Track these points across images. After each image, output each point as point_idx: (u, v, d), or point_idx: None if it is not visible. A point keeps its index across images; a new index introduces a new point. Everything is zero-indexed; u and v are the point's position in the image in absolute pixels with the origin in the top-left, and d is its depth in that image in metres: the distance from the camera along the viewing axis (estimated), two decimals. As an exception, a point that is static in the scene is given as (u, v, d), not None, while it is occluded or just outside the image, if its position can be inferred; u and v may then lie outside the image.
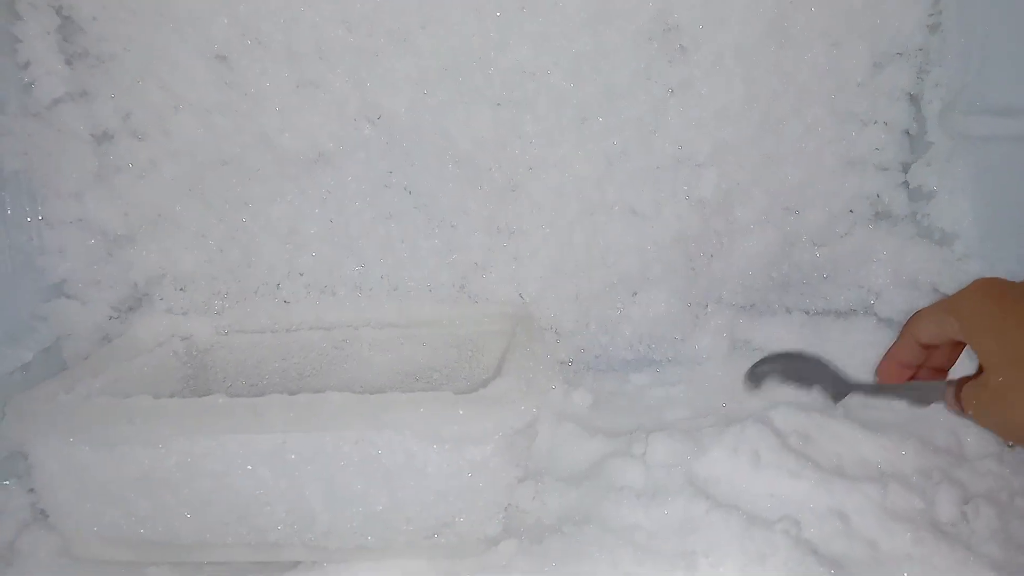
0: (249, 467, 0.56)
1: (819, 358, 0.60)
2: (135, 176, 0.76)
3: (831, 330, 0.86)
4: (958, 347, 0.55)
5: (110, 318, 0.77)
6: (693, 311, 0.87)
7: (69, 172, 0.71)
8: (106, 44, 0.73)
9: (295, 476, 0.56)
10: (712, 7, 0.76)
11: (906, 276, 0.83)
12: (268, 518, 0.57)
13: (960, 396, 0.51)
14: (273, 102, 0.76)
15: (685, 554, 0.56)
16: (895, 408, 0.72)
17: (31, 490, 0.64)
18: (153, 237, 0.78)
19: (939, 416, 0.70)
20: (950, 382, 0.53)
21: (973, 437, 0.66)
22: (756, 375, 0.62)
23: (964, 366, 0.55)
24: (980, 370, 0.49)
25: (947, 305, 0.51)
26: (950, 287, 0.80)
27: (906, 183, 0.84)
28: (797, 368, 0.61)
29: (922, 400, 0.56)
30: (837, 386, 0.59)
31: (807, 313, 0.87)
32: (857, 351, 0.83)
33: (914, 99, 0.82)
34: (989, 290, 0.49)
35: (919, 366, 0.56)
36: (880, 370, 0.58)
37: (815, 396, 0.60)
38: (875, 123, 0.82)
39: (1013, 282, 0.49)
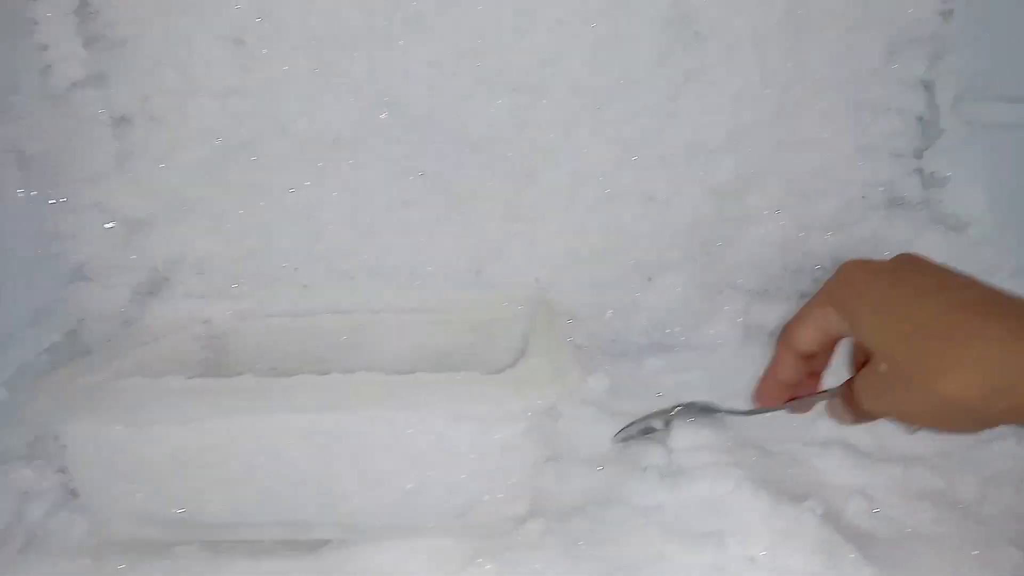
0: (280, 446, 0.56)
1: (686, 406, 0.65)
2: (153, 160, 0.76)
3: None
4: (830, 349, 0.52)
5: (130, 301, 0.77)
6: (708, 297, 0.88)
7: (88, 156, 0.71)
8: (123, 27, 0.72)
9: (325, 455, 0.56)
10: (729, -6, 0.77)
11: (918, 262, 0.84)
12: (299, 497, 0.57)
13: (851, 394, 0.48)
14: (291, 87, 0.76)
15: (713, 533, 0.56)
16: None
17: (59, 471, 0.64)
18: (171, 221, 0.78)
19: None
20: (835, 389, 0.51)
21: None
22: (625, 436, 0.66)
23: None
24: (860, 365, 0.47)
25: (821, 301, 0.49)
26: (965, 272, 0.81)
27: (919, 170, 0.85)
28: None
29: (802, 409, 0.55)
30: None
31: (819, 298, 0.88)
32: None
33: (928, 86, 0.82)
34: (863, 272, 0.47)
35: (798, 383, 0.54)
36: (759, 393, 0.57)
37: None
38: (889, 110, 0.83)
39: (879, 260, 0.47)
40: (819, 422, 0.69)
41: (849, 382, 0.49)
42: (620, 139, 0.81)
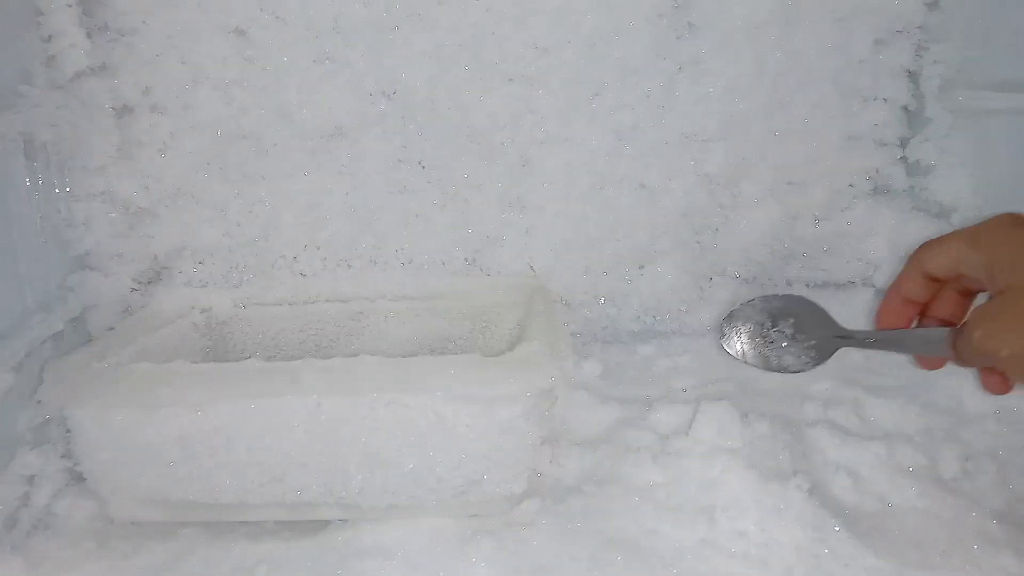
0: (284, 429, 0.58)
1: (812, 303, 0.54)
2: (156, 150, 0.77)
3: (831, 301, 0.89)
4: (965, 299, 0.51)
5: (132, 290, 0.78)
6: (698, 284, 0.90)
7: (93, 145, 0.72)
8: (126, 18, 0.73)
9: (330, 437, 0.58)
10: (721, -16, 0.79)
11: (904, 248, 0.86)
12: (303, 478, 0.59)
13: (959, 339, 0.45)
14: (292, 77, 0.77)
15: (704, 509, 0.58)
16: (898, 375, 0.76)
17: (65, 455, 0.66)
18: (173, 211, 0.79)
19: (941, 379, 0.73)
20: (951, 328, 0.48)
21: (973, 399, 0.69)
22: (734, 318, 0.55)
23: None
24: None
25: (965, 236, 0.47)
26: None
27: (904, 158, 0.87)
28: (784, 312, 0.54)
29: (921, 349, 0.50)
30: (828, 336, 0.53)
31: (808, 285, 0.90)
32: (857, 321, 0.86)
33: (913, 76, 0.84)
34: (1011, 224, 0.45)
35: (923, 310, 0.52)
36: (882, 308, 0.54)
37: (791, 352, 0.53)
38: (876, 99, 0.85)
39: None
40: (806, 404, 0.72)
41: (960, 327, 0.46)
42: (614, 129, 0.82)
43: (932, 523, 0.57)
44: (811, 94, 0.83)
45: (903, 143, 0.86)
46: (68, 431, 0.62)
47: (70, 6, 0.70)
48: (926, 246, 0.50)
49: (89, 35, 0.72)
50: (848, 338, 0.53)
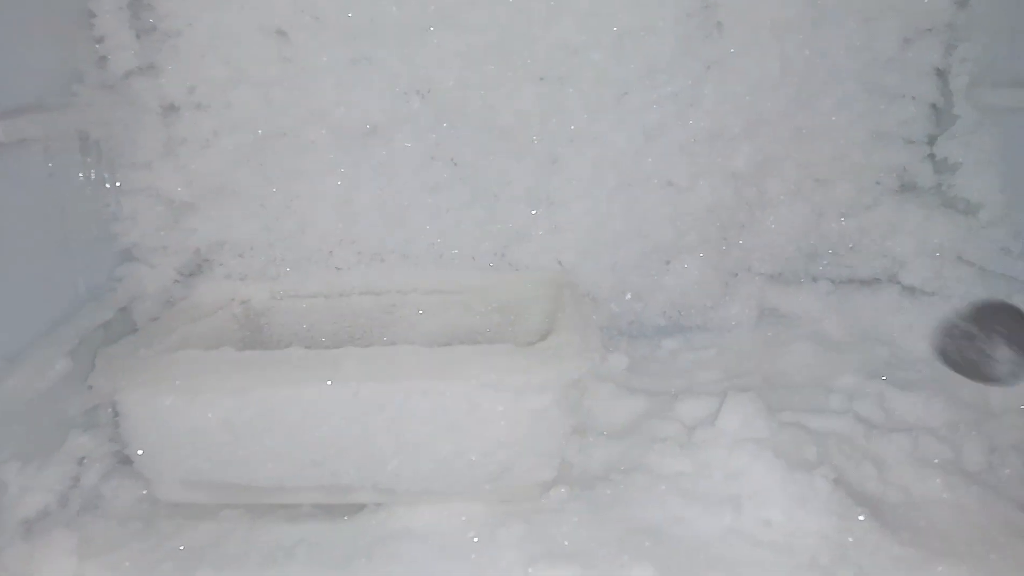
0: (324, 415, 0.60)
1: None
2: (199, 147, 0.80)
3: (855, 298, 0.90)
4: None
5: (175, 281, 0.80)
6: (723, 279, 0.91)
7: (141, 142, 0.75)
8: (172, 20, 0.76)
9: (368, 423, 0.60)
10: (749, -16, 0.80)
11: (931, 245, 0.86)
12: (341, 463, 0.61)
13: None
14: (328, 77, 0.79)
15: (731, 498, 0.60)
16: (922, 370, 0.77)
17: (113, 439, 0.68)
18: (214, 205, 0.81)
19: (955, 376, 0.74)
20: None
21: (997, 393, 0.69)
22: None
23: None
24: None
25: None
26: (974, 255, 0.83)
27: (932, 155, 0.87)
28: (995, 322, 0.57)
29: None
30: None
31: (833, 282, 0.91)
32: (882, 319, 0.87)
33: (941, 74, 0.85)
34: None
35: None
36: None
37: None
38: (903, 97, 0.85)
39: None
40: (831, 397, 0.73)
41: None
42: (642, 127, 0.84)
43: (957, 514, 0.58)
44: (837, 92, 0.84)
45: (931, 140, 0.87)
46: (116, 415, 0.64)
47: (121, 9, 0.73)
48: None
49: (138, 36, 0.75)
50: None
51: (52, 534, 0.59)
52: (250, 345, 0.83)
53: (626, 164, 0.85)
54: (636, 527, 0.59)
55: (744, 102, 0.83)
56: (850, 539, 0.55)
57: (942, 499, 0.59)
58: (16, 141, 0.61)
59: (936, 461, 0.62)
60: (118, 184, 0.75)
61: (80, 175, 0.69)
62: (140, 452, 0.63)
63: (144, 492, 0.67)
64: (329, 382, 0.59)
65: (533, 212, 0.86)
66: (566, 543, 0.58)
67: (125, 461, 0.68)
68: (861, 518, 0.57)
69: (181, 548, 0.61)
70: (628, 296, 0.90)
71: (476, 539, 0.59)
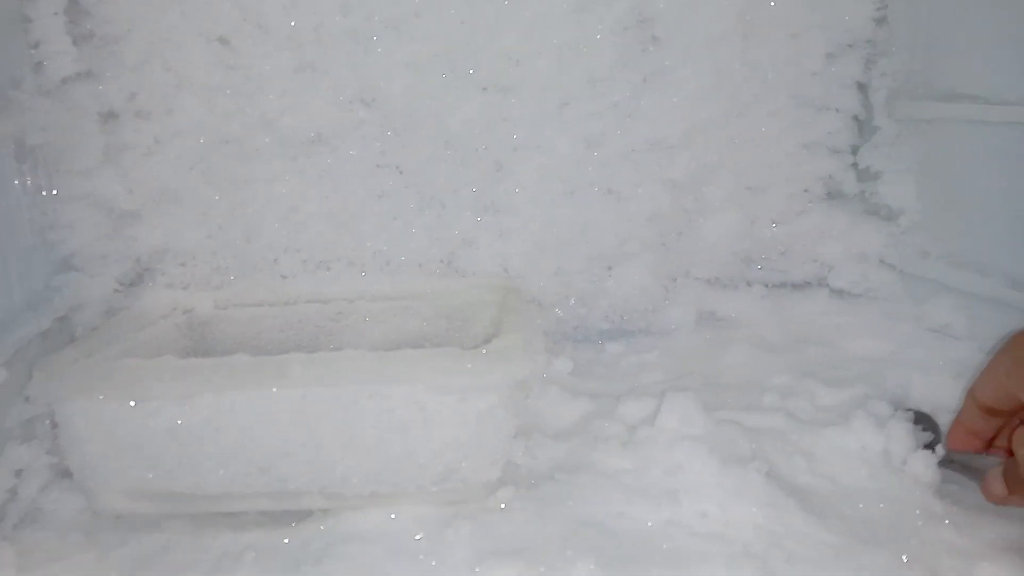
0: (270, 420, 0.60)
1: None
2: (140, 154, 0.79)
3: (788, 301, 0.94)
4: (1013, 412, 0.52)
5: (115, 291, 0.79)
6: (664, 284, 0.94)
7: (80, 149, 0.74)
8: (111, 26, 0.75)
9: (314, 428, 0.60)
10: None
11: (856, 250, 0.91)
12: (289, 468, 0.61)
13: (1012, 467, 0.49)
14: (273, 84, 0.80)
15: (669, 492, 0.62)
16: (850, 368, 0.81)
17: (53, 451, 0.67)
18: (156, 214, 0.81)
19: (889, 370, 0.78)
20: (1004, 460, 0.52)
21: (919, 388, 0.74)
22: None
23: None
24: None
25: (1006, 362, 0.50)
26: (896, 259, 0.88)
27: (855, 165, 0.92)
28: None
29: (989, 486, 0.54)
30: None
31: (767, 286, 0.95)
32: (813, 320, 0.91)
33: (862, 87, 0.90)
34: None
35: (991, 439, 0.55)
36: (949, 435, 0.59)
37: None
38: (828, 109, 0.90)
39: None
40: (765, 395, 0.76)
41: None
42: (584, 136, 0.86)
43: (880, 502, 0.61)
44: (768, 104, 0.88)
45: (854, 150, 0.92)
46: (55, 427, 0.63)
47: (56, 14, 0.72)
48: (976, 381, 0.52)
49: (75, 42, 0.74)
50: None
51: (-12, 548, 0.58)
52: (194, 355, 0.82)
53: (569, 172, 0.87)
54: (580, 523, 0.61)
55: (680, 112, 0.87)
56: (782, 528, 0.58)
57: (867, 488, 0.63)
58: (-51, 147, 0.60)
59: (862, 453, 0.65)
60: (55, 192, 0.74)
61: (16, 182, 0.68)
62: (78, 464, 0.62)
63: (85, 504, 0.66)
64: (275, 388, 0.59)
65: (479, 219, 0.87)
66: (512, 541, 0.59)
67: (65, 473, 0.67)
68: (792, 508, 0.59)
69: (126, 558, 0.60)
70: (572, 301, 0.92)
71: (424, 540, 0.60)
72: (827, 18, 0.86)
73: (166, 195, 0.81)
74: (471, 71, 0.82)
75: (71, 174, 0.75)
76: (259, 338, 0.84)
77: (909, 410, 0.68)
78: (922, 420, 0.67)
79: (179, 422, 0.60)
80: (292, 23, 0.78)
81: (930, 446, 0.64)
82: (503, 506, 0.63)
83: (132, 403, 0.59)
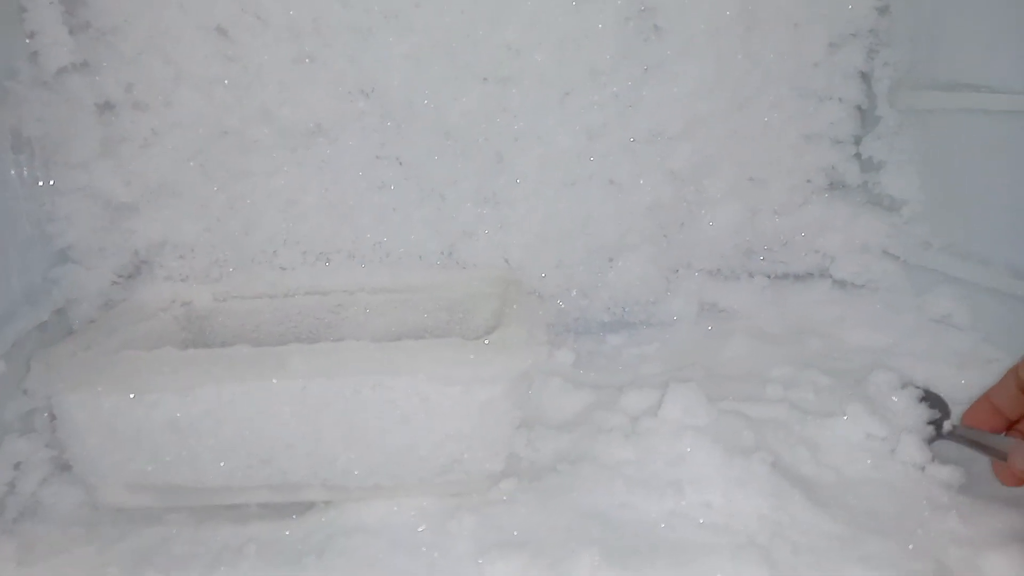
0: (271, 412, 0.60)
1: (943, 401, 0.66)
2: (137, 146, 0.78)
3: (790, 292, 0.94)
4: None
5: (113, 284, 0.79)
6: (665, 276, 0.93)
7: (77, 141, 0.73)
8: (108, 16, 0.75)
9: (316, 420, 0.60)
10: (685, -10, 0.83)
11: (858, 241, 0.91)
12: (290, 460, 0.61)
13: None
14: (272, 75, 0.79)
15: (673, 483, 0.62)
16: (852, 359, 0.80)
17: (52, 444, 0.67)
18: (154, 206, 0.80)
19: (893, 361, 0.78)
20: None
21: (924, 377, 0.73)
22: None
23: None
24: None
25: None
26: (898, 250, 0.88)
27: (858, 155, 0.92)
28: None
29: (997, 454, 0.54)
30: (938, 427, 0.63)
31: (768, 277, 0.95)
32: (815, 311, 0.91)
33: (865, 77, 0.90)
34: None
35: (1014, 422, 0.54)
36: (969, 410, 0.57)
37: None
38: (831, 100, 0.90)
39: None
40: (768, 387, 0.76)
41: None
42: (585, 127, 0.86)
43: (885, 492, 0.61)
44: (770, 95, 0.88)
45: (857, 141, 0.91)
46: (53, 419, 0.63)
47: (52, 4, 0.71)
48: None
49: (71, 32, 0.73)
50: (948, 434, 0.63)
51: (-12, 542, 0.58)
52: (193, 348, 0.81)
53: (570, 163, 0.87)
54: (583, 514, 0.60)
55: (682, 104, 0.86)
56: (786, 518, 0.58)
57: (871, 478, 0.62)
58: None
59: (866, 443, 0.65)
60: (52, 183, 0.73)
61: (12, 173, 0.67)
62: (78, 457, 0.61)
63: (85, 497, 0.66)
64: (275, 380, 0.58)
65: (480, 211, 0.87)
66: (515, 532, 0.59)
67: (65, 467, 0.66)
68: (796, 498, 0.59)
69: (127, 551, 0.60)
70: (574, 293, 0.91)
71: (427, 532, 0.60)
72: (829, 8, 0.85)
73: (164, 187, 0.80)
74: (471, 62, 0.82)
75: (68, 166, 0.74)
76: (258, 331, 0.84)
77: (918, 388, 0.68)
78: (930, 398, 0.67)
79: (179, 414, 0.59)
80: (291, 13, 0.77)
81: (935, 423, 0.64)
82: (506, 498, 0.63)
83: (131, 395, 0.59)
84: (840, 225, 0.91)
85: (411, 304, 0.85)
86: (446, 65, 0.81)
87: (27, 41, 0.70)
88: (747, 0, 0.84)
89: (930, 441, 0.63)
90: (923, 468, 0.62)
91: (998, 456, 0.54)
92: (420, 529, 0.60)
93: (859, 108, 0.90)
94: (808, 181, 0.92)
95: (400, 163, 0.85)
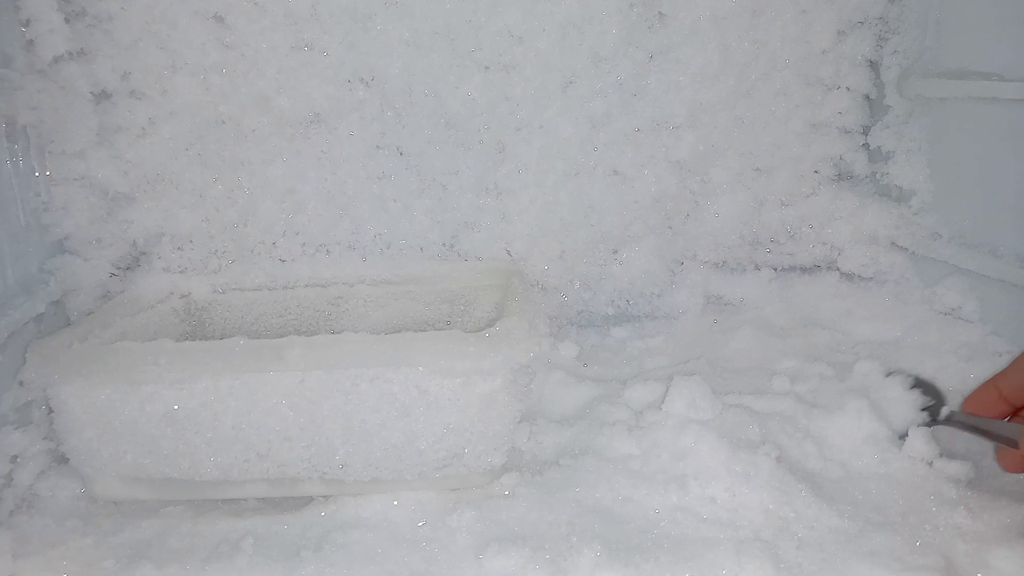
0: (269, 405, 0.59)
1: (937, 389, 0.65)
2: (134, 135, 0.77)
3: (797, 284, 0.92)
4: None
5: (111, 275, 0.78)
6: (670, 268, 0.92)
7: (73, 130, 0.72)
8: (104, 3, 0.73)
9: (314, 413, 0.59)
10: (690, -24, 0.81)
11: (866, 232, 0.89)
12: (288, 454, 0.60)
13: None
14: (270, 63, 0.78)
15: (677, 477, 0.61)
16: (858, 352, 0.79)
17: (48, 436, 0.66)
18: (152, 196, 0.79)
19: (898, 355, 0.77)
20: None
21: (929, 370, 0.72)
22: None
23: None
24: None
25: None
26: (907, 241, 0.87)
27: (866, 145, 0.90)
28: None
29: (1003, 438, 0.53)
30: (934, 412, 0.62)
31: (775, 269, 0.93)
32: (822, 304, 0.90)
33: (874, 65, 0.88)
34: None
35: (1020, 408, 0.53)
36: (972, 395, 0.56)
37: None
38: (838, 88, 0.88)
39: None
40: (774, 380, 0.75)
41: None
42: (588, 116, 0.85)
43: (891, 486, 0.60)
44: (776, 83, 0.86)
45: (865, 130, 0.90)
46: (50, 412, 0.62)
47: (48, -9, 0.70)
48: None
49: (67, 20, 0.72)
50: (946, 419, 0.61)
51: (-16, 534, 0.57)
52: (192, 340, 0.81)
53: (573, 153, 0.86)
54: (586, 509, 0.59)
55: (687, 92, 0.85)
56: (792, 513, 0.57)
57: (878, 473, 0.61)
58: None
59: (872, 437, 0.64)
60: (48, 173, 0.72)
61: (8, 163, 0.67)
62: (75, 449, 0.61)
63: (82, 490, 0.65)
64: (272, 372, 0.58)
65: (481, 201, 0.86)
66: (517, 527, 0.58)
67: (61, 459, 0.66)
68: (802, 493, 0.58)
69: (124, 544, 0.59)
70: (577, 285, 0.90)
71: (426, 527, 0.59)
72: (837, -6, 0.84)
73: (161, 177, 0.79)
74: (471, 49, 0.80)
75: (64, 155, 0.73)
76: (257, 323, 0.83)
77: (909, 376, 0.67)
78: (922, 385, 0.65)
79: (175, 407, 0.58)
80: (289, 1, 0.76)
81: (929, 409, 0.63)
82: (507, 492, 0.62)
83: (128, 387, 0.58)
84: (848, 216, 0.89)
85: (412, 296, 0.84)
86: (446, 52, 0.80)
87: (23, 29, 0.69)
88: (754, -15, 0.82)
89: (926, 427, 0.62)
90: (931, 463, 0.61)
91: (1004, 441, 0.53)
92: (420, 524, 0.59)
93: (867, 97, 0.89)
94: (815, 171, 0.90)
95: (400, 153, 0.84)
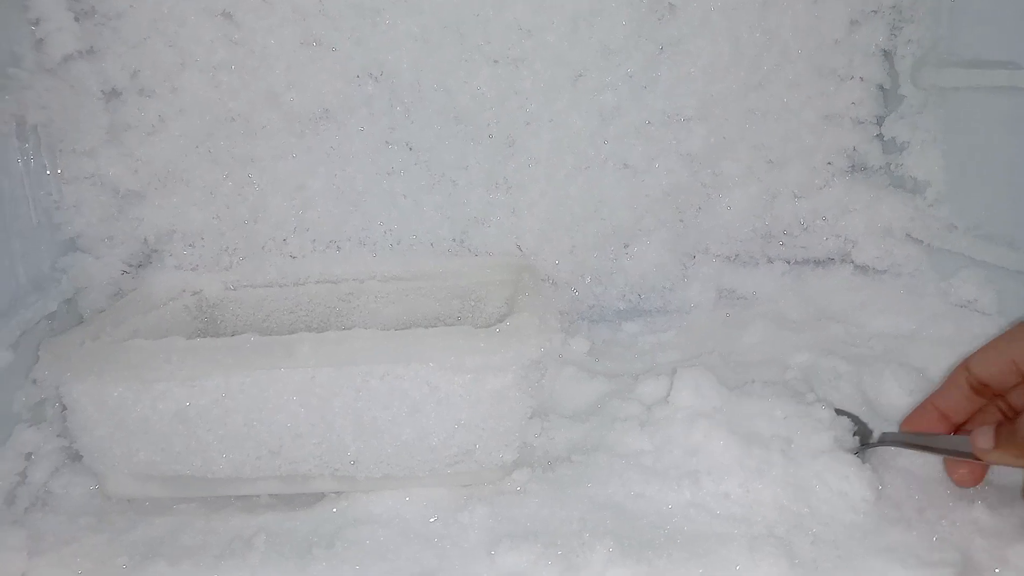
0: (280, 402, 0.59)
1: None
2: (144, 133, 0.77)
3: (810, 277, 0.91)
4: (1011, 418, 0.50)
5: (123, 273, 0.78)
6: (682, 262, 0.92)
7: (83, 128, 0.73)
8: (113, 2, 0.74)
9: (325, 409, 0.59)
10: (700, -34, 0.80)
11: (881, 224, 0.88)
12: (299, 451, 0.60)
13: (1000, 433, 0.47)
14: (279, 59, 0.78)
15: (689, 473, 0.60)
16: (873, 346, 0.78)
17: (59, 435, 0.66)
18: (162, 194, 0.79)
19: (912, 347, 0.76)
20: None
21: (944, 366, 0.71)
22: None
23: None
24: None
25: (1002, 338, 0.48)
26: (922, 233, 0.86)
27: (880, 135, 0.89)
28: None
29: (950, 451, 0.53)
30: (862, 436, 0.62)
31: (788, 263, 0.92)
32: (836, 297, 0.89)
33: (888, 55, 0.87)
34: None
35: (960, 424, 0.53)
36: (912, 416, 0.56)
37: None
38: (852, 78, 0.87)
39: None
40: (788, 374, 0.74)
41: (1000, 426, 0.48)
42: (598, 109, 0.84)
43: (909, 481, 0.59)
44: (789, 74, 0.85)
45: (879, 121, 0.89)
46: (64, 409, 0.62)
47: (57, -11, 0.70)
48: (975, 354, 0.50)
49: (76, 19, 0.72)
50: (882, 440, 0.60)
51: (-1, 532, 0.57)
52: (203, 337, 0.81)
53: (583, 146, 0.85)
54: (598, 505, 0.59)
55: (697, 84, 0.84)
56: (806, 509, 0.56)
57: (895, 467, 0.61)
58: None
59: (887, 430, 0.63)
60: (59, 172, 0.73)
61: (18, 161, 0.67)
62: (88, 446, 0.61)
63: (95, 487, 0.65)
64: (283, 369, 0.58)
65: (491, 196, 0.85)
66: (529, 523, 0.58)
67: (75, 457, 0.66)
68: (817, 488, 0.58)
69: (138, 541, 0.59)
70: (588, 279, 0.90)
71: (438, 523, 0.59)
72: (850, -18, 0.83)
73: (172, 175, 0.79)
74: (480, 43, 0.80)
75: (74, 153, 0.74)
76: (269, 319, 0.83)
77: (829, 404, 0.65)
78: (842, 415, 0.64)
79: (187, 404, 0.59)
80: (297, -5, 0.76)
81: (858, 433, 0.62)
82: (519, 488, 0.62)
83: (139, 385, 0.58)
84: (862, 208, 0.88)
85: (422, 292, 0.84)
86: (455, 47, 0.80)
87: (32, 28, 0.70)
88: (764, -25, 0.81)
89: (855, 452, 0.60)
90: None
91: (951, 453, 0.53)
92: (431, 520, 0.59)
93: (881, 87, 0.88)
94: (828, 163, 0.89)
95: (410, 148, 0.83)
